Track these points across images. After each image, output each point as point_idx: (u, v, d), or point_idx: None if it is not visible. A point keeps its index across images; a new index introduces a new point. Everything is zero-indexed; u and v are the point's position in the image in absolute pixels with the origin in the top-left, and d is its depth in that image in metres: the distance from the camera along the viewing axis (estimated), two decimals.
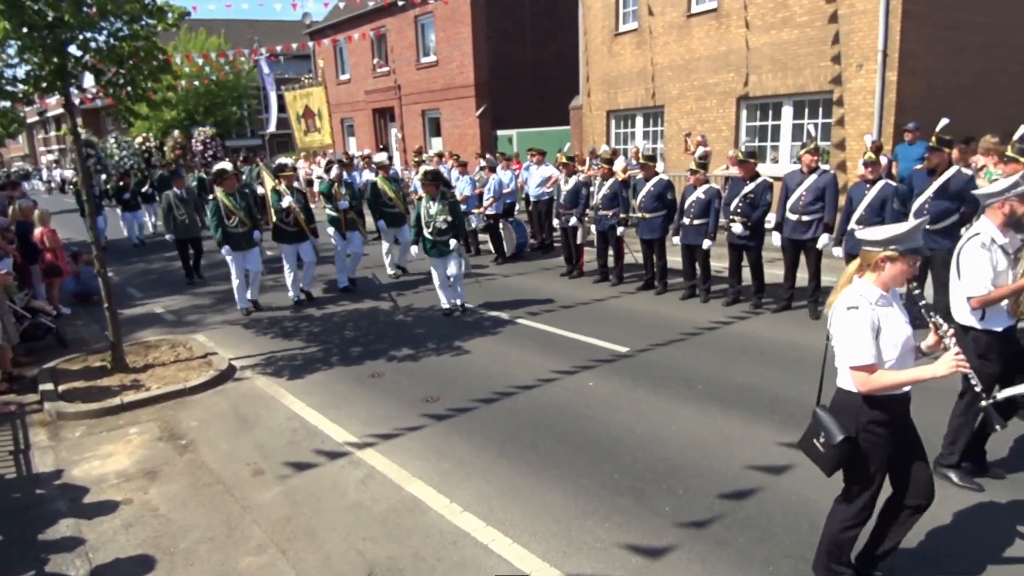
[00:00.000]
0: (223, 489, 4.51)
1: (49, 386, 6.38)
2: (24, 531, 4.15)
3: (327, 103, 11.89)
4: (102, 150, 23.11)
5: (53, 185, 41.15)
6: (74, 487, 4.66)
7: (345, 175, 10.77)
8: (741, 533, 3.73)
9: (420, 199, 8.20)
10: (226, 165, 9.18)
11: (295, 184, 9.62)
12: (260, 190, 12.86)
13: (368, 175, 15.31)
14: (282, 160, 9.87)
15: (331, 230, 9.95)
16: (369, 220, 11.42)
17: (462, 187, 11.72)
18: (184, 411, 5.88)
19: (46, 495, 4.61)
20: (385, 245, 10.88)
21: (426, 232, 8.01)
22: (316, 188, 13.66)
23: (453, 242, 7.99)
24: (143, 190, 16.71)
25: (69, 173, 39.27)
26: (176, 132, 26.34)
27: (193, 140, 24.77)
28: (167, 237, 11.39)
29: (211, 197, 8.83)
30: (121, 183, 16.44)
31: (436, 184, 8.06)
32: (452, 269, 8.15)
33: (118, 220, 16.80)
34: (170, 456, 5.06)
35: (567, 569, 3.50)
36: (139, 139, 25.91)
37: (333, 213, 9.96)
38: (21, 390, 6.59)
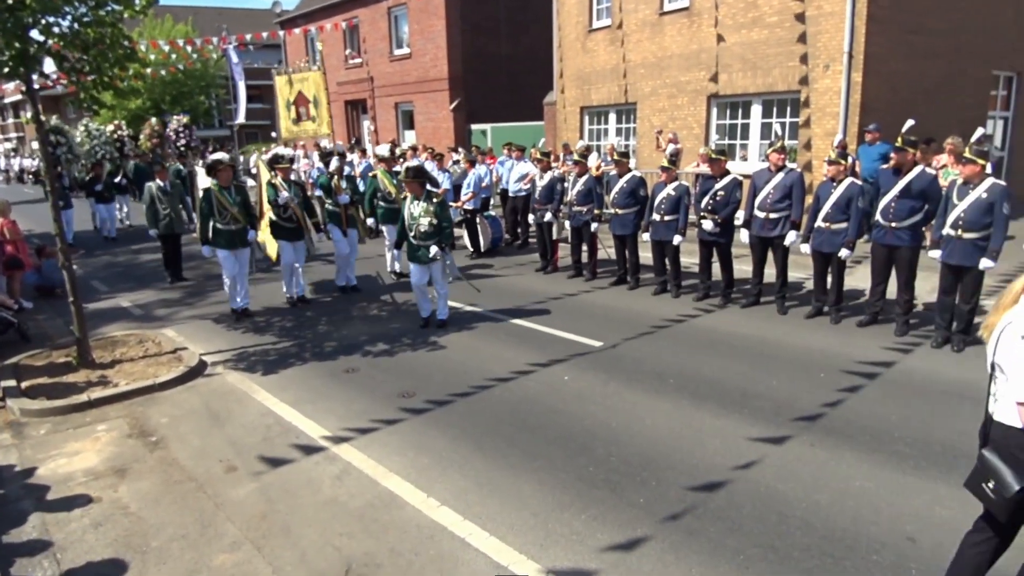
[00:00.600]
0: (195, 486, 4.46)
1: (11, 383, 6.21)
2: None
3: (326, 90, 10.88)
4: (72, 138, 21.73)
5: (11, 174, 39.84)
6: (40, 486, 4.56)
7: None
8: (712, 524, 3.81)
9: (405, 198, 7.61)
10: (222, 155, 8.47)
11: (291, 177, 9.08)
12: (250, 183, 12.16)
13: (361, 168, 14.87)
14: (278, 150, 9.25)
15: (330, 227, 9.44)
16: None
17: (441, 178, 11.70)
18: (154, 407, 5.78)
19: (9, 494, 4.50)
20: (387, 243, 10.23)
21: (409, 235, 7.36)
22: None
23: (433, 249, 7.21)
24: (116, 181, 16.05)
25: (28, 162, 38.12)
26: (154, 120, 25.12)
27: (168, 129, 23.72)
28: (151, 233, 10.62)
29: (203, 189, 8.15)
30: (92, 173, 15.75)
31: (420, 182, 7.36)
32: (438, 276, 7.48)
33: (88, 212, 16.29)
34: (140, 453, 4.97)
35: (544, 562, 3.54)
36: (111, 127, 24.75)
37: (333, 208, 9.35)
38: None
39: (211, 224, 7.96)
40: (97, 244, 14.84)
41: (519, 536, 3.77)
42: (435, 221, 7.19)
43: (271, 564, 3.62)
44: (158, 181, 10.55)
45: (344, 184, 9.34)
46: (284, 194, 8.37)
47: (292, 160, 8.88)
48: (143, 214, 10.79)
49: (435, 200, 7.29)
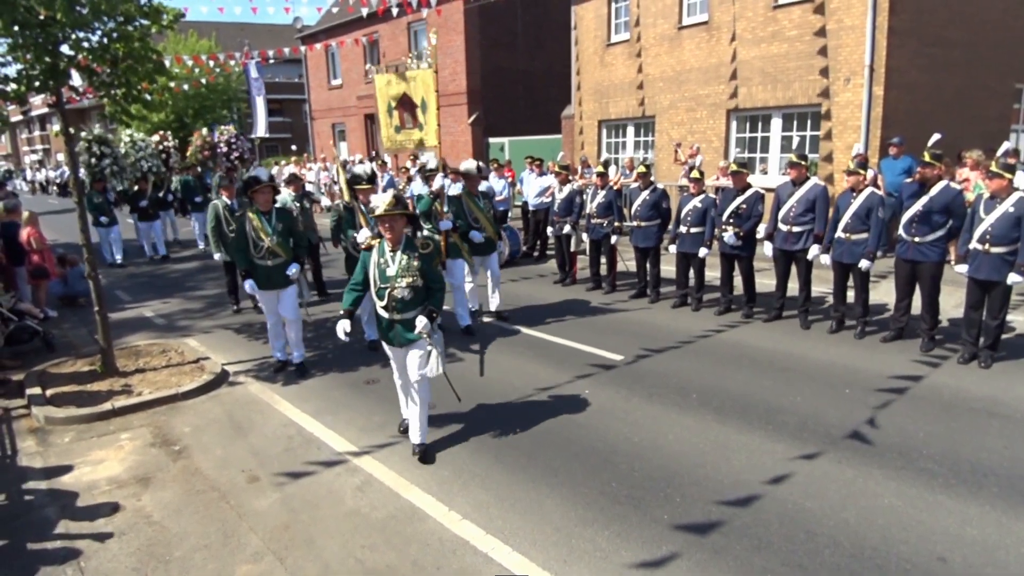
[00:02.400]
0: (218, 496, 4.47)
1: (37, 390, 6.29)
2: (13, 539, 4.09)
3: (436, 92, 8.84)
4: (117, 150, 19.22)
5: (37, 185, 40.63)
6: (64, 493, 4.60)
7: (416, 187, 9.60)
8: (738, 541, 3.75)
9: (370, 247, 4.89)
10: (260, 172, 6.83)
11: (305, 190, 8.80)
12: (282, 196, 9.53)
13: (418, 187, 13.59)
14: (255, 172, 7.00)
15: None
16: None
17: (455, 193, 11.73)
18: (177, 417, 5.82)
19: (35, 502, 4.54)
20: (469, 280, 8.20)
21: (377, 303, 4.77)
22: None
23: (421, 322, 4.58)
24: (160, 196, 14.89)
25: (52, 173, 38.87)
26: (204, 131, 23.24)
27: (216, 139, 21.74)
28: (216, 257, 9.24)
29: (236, 214, 6.79)
30: (137, 188, 14.59)
31: (400, 218, 4.71)
32: (413, 370, 4.75)
33: (134, 230, 15.12)
34: (163, 462, 5.00)
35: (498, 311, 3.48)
36: (155, 137, 22.59)
37: (436, 237, 7.45)
38: (7, 394, 6.50)
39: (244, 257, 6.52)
40: (145, 265, 13.80)
41: (542, 552, 3.73)
42: (419, 282, 4.69)
43: None
44: (224, 198, 9.08)
45: (446, 208, 7.81)
46: (364, 233, 6.57)
47: (372, 179, 7.40)
48: (191, 231, 10.32)
49: (422, 251, 4.74)
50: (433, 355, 4.65)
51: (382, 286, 4.71)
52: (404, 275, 4.65)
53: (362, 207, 7.07)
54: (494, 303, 8.39)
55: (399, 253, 4.71)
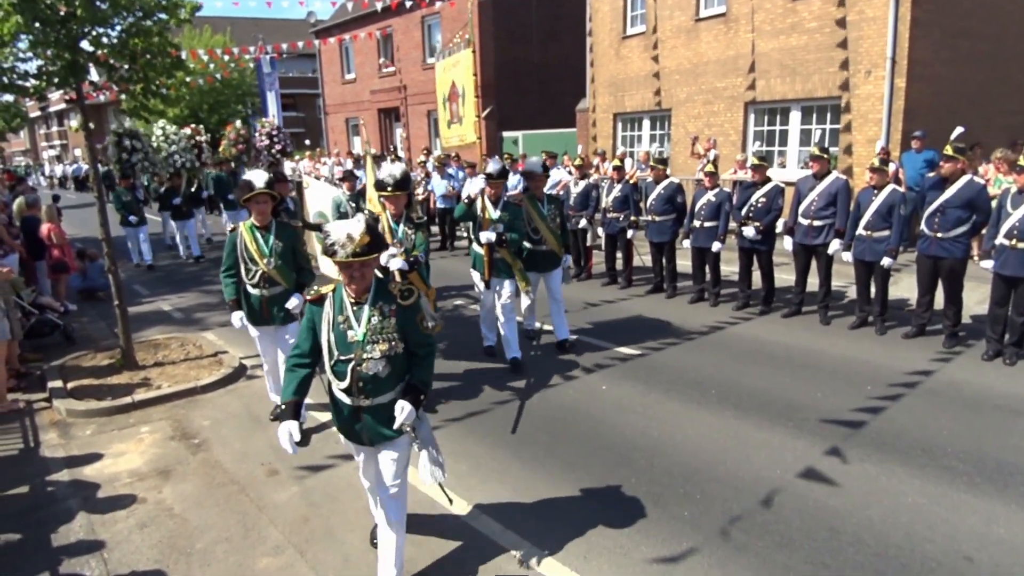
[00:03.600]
0: (238, 489, 4.50)
1: (58, 383, 6.36)
2: (37, 530, 4.13)
3: (475, 76, 7.27)
4: (149, 144, 17.45)
5: (55, 180, 41.10)
6: (86, 485, 4.64)
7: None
8: (760, 539, 3.72)
9: (320, 298, 3.30)
10: (256, 176, 5.15)
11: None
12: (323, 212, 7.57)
13: (439, 184, 13.20)
14: (249, 176, 5.28)
15: (475, 275, 6.64)
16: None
17: (472, 188, 11.69)
18: (196, 410, 5.86)
19: (58, 494, 4.59)
20: (525, 300, 6.93)
21: (335, 384, 3.26)
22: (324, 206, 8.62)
23: (403, 411, 3.13)
24: (192, 192, 14.13)
25: (69, 168, 39.28)
26: (239, 123, 21.57)
27: (256, 133, 19.87)
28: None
29: (230, 229, 5.38)
30: (169, 184, 13.66)
31: (371, 257, 3.10)
32: (389, 477, 3.32)
33: (166, 229, 14.72)
34: (183, 455, 5.04)
35: (588, 573, 3.48)
36: (187, 130, 20.42)
37: (477, 249, 6.51)
38: (29, 387, 6.57)
39: (232, 284, 5.27)
40: (180, 268, 13.01)
41: (562, 547, 3.71)
42: (398, 348, 3.19)
43: (314, 569, 3.62)
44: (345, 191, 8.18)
45: (496, 213, 6.31)
46: (395, 259, 5.32)
47: (403, 183, 5.50)
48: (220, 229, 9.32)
49: (401, 302, 3.21)
50: (424, 458, 3.29)
51: (342, 358, 3.14)
52: (376, 340, 3.13)
53: (390, 219, 5.59)
54: (560, 331, 6.97)
55: (366, 308, 3.15)
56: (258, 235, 5.19)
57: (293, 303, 5.26)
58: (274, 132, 19.50)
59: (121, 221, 12.39)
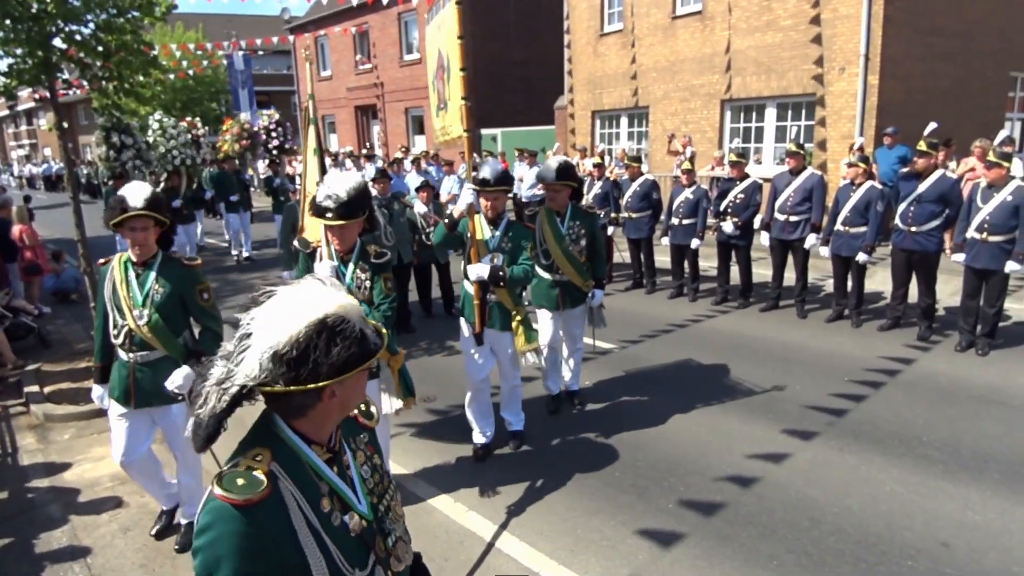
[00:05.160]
0: None
1: (35, 388, 6.24)
2: (19, 536, 4.06)
3: (461, 40, 4.58)
4: (143, 140, 14.91)
5: (24, 180, 40.23)
6: (67, 490, 4.58)
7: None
8: (744, 529, 3.78)
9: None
10: (132, 191, 3.45)
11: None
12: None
13: (415, 180, 11.12)
14: (123, 193, 3.49)
15: (464, 326, 4.66)
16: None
17: (449, 186, 11.68)
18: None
19: (38, 499, 4.51)
20: (532, 358, 4.63)
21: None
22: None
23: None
24: (194, 192, 12.76)
25: (36, 169, 38.45)
26: (242, 116, 19.75)
27: (256, 127, 18.55)
28: (283, 275, 7.09)
29: (101, 263, 3.81)
30: (168, 184, 12.11)
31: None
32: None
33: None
34: (164, 458, 4.96)
35: (576, 567, 3.52)
36: (183, 124, 17.92)
37: (467, 288, 4.56)
38: (5, 392, 6.44)
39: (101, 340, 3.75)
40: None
41: (549, 541, 3.75)
42: (384, 496, 1.67)
43: None
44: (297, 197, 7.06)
45: (493, 237, 4.51)
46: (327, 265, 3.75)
47: (354, 208, 3.55)
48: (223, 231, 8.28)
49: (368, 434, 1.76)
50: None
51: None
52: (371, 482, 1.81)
53: (335, 256, 3.76)
54: (567, 375, 5.48)
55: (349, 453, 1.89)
56: (131, 274, 3.54)
57: (176, 381, 3.43)
58: (272, 126, 17.70)
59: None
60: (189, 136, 15.97)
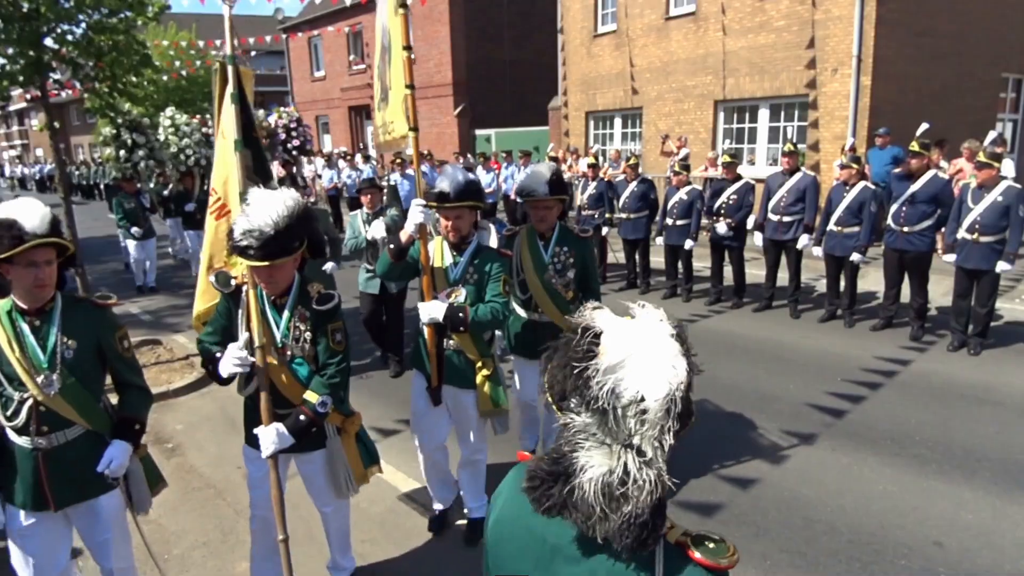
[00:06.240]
0: (214, 493, 4.44)
1: None
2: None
3: (404, 20, 3.61)
4: (155, 138, 14.06)
5: (15, 181, 39.99)
6: None
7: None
8: (737, 528, 3.79)
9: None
10: (22, 211, 2.44)
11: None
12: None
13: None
14: (8, 210, 2.49)
15: (416, 381, 3.78)
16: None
17: (408, 222, 11.43)
18: (168, 414, 5.77)
19: None
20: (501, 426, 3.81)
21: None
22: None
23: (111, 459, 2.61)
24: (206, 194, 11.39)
25: (28, 170, 38.22)
26: (261, 112, 17.65)
27: (275, 125, 16.82)
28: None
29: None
30: (180, 186, 11.24)
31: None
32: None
33: (177, 241, 12.46)
34: (157, 460, 4.92)
35: None
36: (194, 120, 16.32)
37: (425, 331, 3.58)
38: None
39: None
40: (103, 248, 13.82)
41: None
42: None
43: (295, 570, 3.59)
44: (366, 209, 6.06)
45: (455, 266, 3.55)
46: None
47: (284, 244, 2.69)
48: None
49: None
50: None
51: None
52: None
53: (265, 303, 2.93)
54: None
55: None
56: (25, 328, 2.59)
57: (113, 462, 2.67)
58: (292, 125, 16.29)
59: (125, 235, 10.69)
60: (200, 134, 14.92)
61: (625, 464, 1.10)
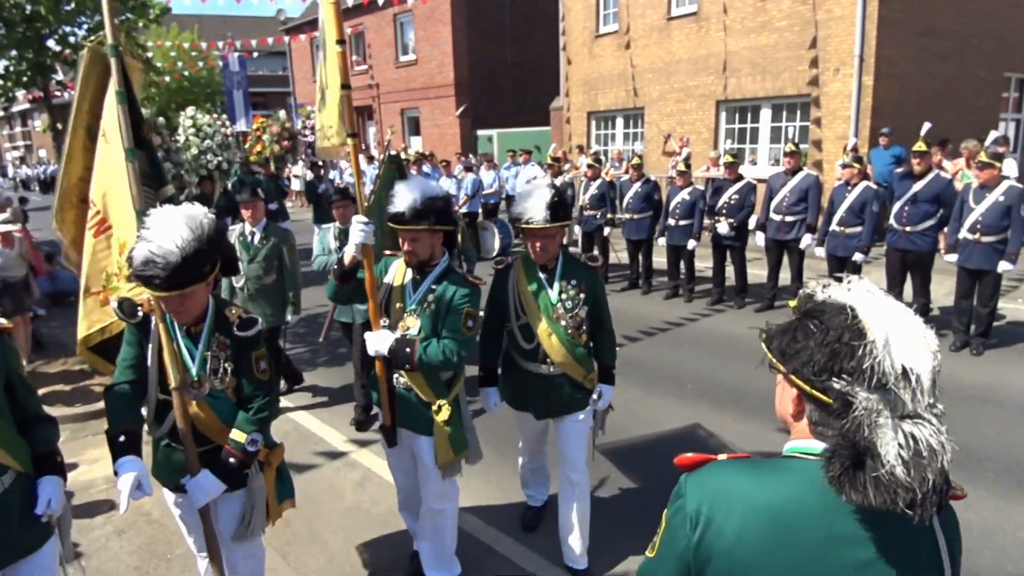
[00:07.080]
0: None
1: None
2: None
3: (336, 11, 2.94)
4: (173, 141, 12.56)
5: (18, 182, 40.14)
6: None
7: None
8: None
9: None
10: None
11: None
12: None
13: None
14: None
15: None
16: None
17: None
18: None
19: None
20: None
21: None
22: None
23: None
24: (225, 199, 10.54)
25: (30, 171, 38.37)
26: (282, 113, 17.58)
27: (298, 126, 16.15)
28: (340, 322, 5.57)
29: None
30: (200, 190, 10.41)
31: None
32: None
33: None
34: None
35: (570, 568, 3.52)
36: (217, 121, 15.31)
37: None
38: None
39: None
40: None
41: (544, 543, 3.74)
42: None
43: (297, 571, 3.61)
44: (337, 223, 5.46)
45: (411, 296, 3.10)
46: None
47: (190, 274, 2.35)
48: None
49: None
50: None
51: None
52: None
53: (179, 335, 2.59)
54: (569, 552, 3.50)
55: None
56: None
57: (52, 501, 2.32)
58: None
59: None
60: (222, 135, 14.06)
61: (917, 436, 1.14)
